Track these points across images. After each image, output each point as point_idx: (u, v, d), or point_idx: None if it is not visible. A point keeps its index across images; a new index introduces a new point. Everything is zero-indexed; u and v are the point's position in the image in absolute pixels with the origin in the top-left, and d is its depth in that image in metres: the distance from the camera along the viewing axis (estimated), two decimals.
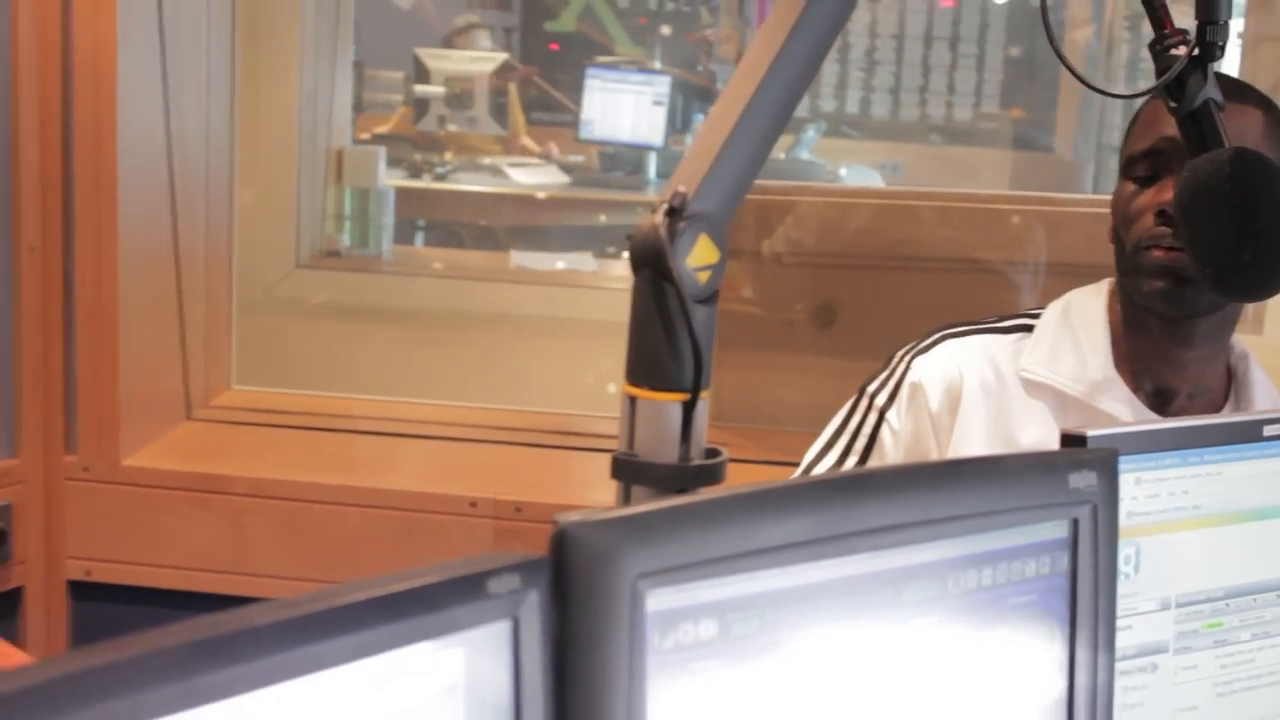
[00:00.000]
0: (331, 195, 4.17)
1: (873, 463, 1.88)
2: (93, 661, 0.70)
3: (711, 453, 1.15)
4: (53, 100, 2.52)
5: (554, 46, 6.47)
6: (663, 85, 5.68)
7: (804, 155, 5.93)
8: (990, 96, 6.40)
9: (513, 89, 5.95)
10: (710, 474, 1.13)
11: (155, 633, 0.73)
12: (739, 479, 2.47)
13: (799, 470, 1.97)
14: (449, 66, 5.73)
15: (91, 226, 2.55)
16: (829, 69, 6.25)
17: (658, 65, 6.27)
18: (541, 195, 5.65)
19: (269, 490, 2.59)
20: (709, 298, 1.12)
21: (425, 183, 5.60)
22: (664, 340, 1.11)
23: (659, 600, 0.89)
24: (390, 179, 4.49)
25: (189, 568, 2.61)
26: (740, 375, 2.93)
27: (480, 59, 5.94)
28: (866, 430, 1.89)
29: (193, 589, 2.61)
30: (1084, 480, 1.07)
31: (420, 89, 5.72)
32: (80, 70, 2.52)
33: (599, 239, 5.42)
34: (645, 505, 0.89)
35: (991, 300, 2.57)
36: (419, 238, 5.62)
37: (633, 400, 1.13)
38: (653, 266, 1.10)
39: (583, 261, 4.57)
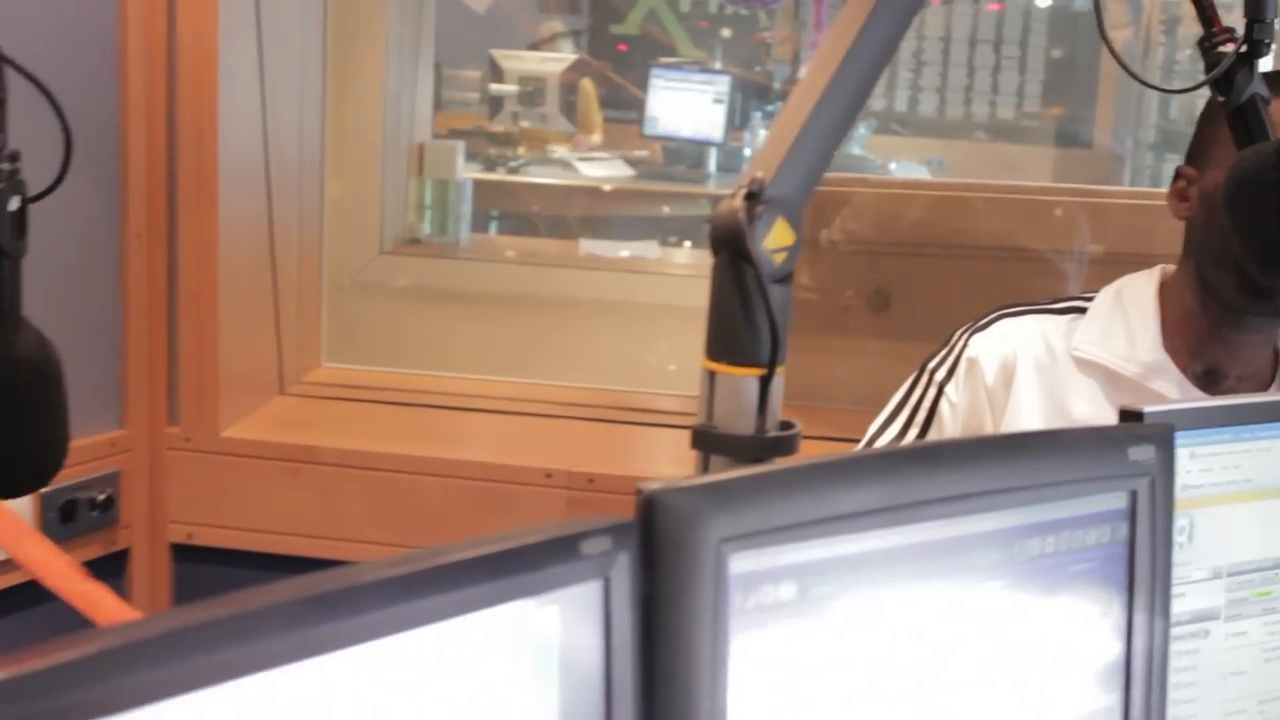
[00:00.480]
0: (413, 186, 4.18)
1: (932, 434, 1.88)
2: (216, 612, 0.70)
3: (786, 425, 1.14)
4: (158, 96, 2.53)
5: (622, 47, 6.45)
6: (722, 84, 5.66)
7: (855, 151, 5.89)
8: (1032, 96, 6.35)
9: (588, 84, 5.93)
10: (785, 445, 1.12)
11: (273, 586, 0.73)
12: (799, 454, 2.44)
13: (863, 441, 1.97)
14: (522, 67, 5.73)
15: (193, 214, 2.56)
16: None
17: (718, 65, 6.24)
18: (607, 188, 5.64)
19: (357, 461, 2.59)
20: (785, 278, 1.11)
21: (499, 175, 5.61)
22: (742, 318, 1.10)
23: (741, 563, 0.89)
24: (467, 172, 4.50)
25: (282, 532, 2.62)
26: (798, 356, 2.91)
27: (551, 59, 5.93)
28: (926, 404, 1.89)
29: (286, 552, 2.62)
30: (1142, 454, 1.05)
31: (495, 88, 5.72)
32: (184, 68, 2.53)
33: (662, 229, 5.40)
34: (729, 473, 0.88)
35: (1036, 286, 2.56)
36: (492, 226, 5.63)
37: (712, 375, 1.12)
38: (732, 248, 1.09)
39: (648, 249, 4.56)
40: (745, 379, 1.11)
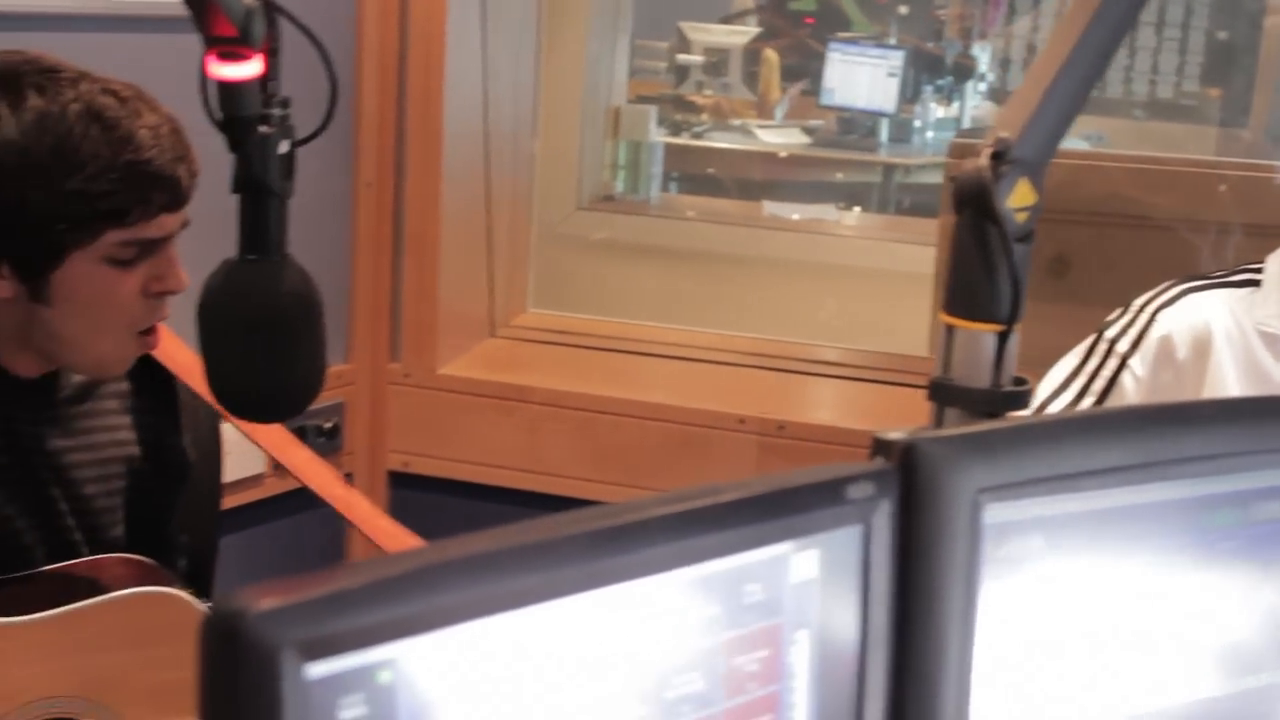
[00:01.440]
0: (608, 147, 4.15)
1: (1110, 405, 1.79)
2: (510, 540, 0.67)
3: (1019, 381, 1.08)
4: (390, 57, 2.52)
5: (809, 20, 6.34)
6: (896, 59, 5.53)
7: None
8: (1191, 76, 6.13)
9: (771, 55, 5.84)
10: (1018, 400, 1.06)
11: (561, 519, 0.70)
12: None
13: (1033, 406, 1.88)
14: (708, 38, 5.67)
15: (420, 166, 2.56)
16: None
17: (893, 40, 6.11)
18: (783, 154, 5.58)
19: (563, 401, 2.57)
20: (1026, 236, 1.05)
21: (683, 139, 5.56)
22: (983, 275, 1.04)
23: (995, 514, 0.83)
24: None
25: (492, 465, 2.61)
26: None
27: (736, 32, 5.86)
28: (1106, 374, 1.80)
29: (495, 483, 2.61)
30: None
31: (681, 57, 5.67)
32: (415, 32, 2.52)
33: (835, 194, 5.32)
34: (988, 424, 0.83)
35: (1206, 258, 2.46)
36: (672, 187, 5.59)
37: (950, 329, 1.07)
38: (976, 206, 1.03)
39: (826, 212, 4.50)
40: (983, 334, 1.05)
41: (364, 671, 0.62)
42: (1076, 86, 1.07)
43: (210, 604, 0.57)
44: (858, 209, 5.29)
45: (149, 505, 1.65)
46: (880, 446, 0.83)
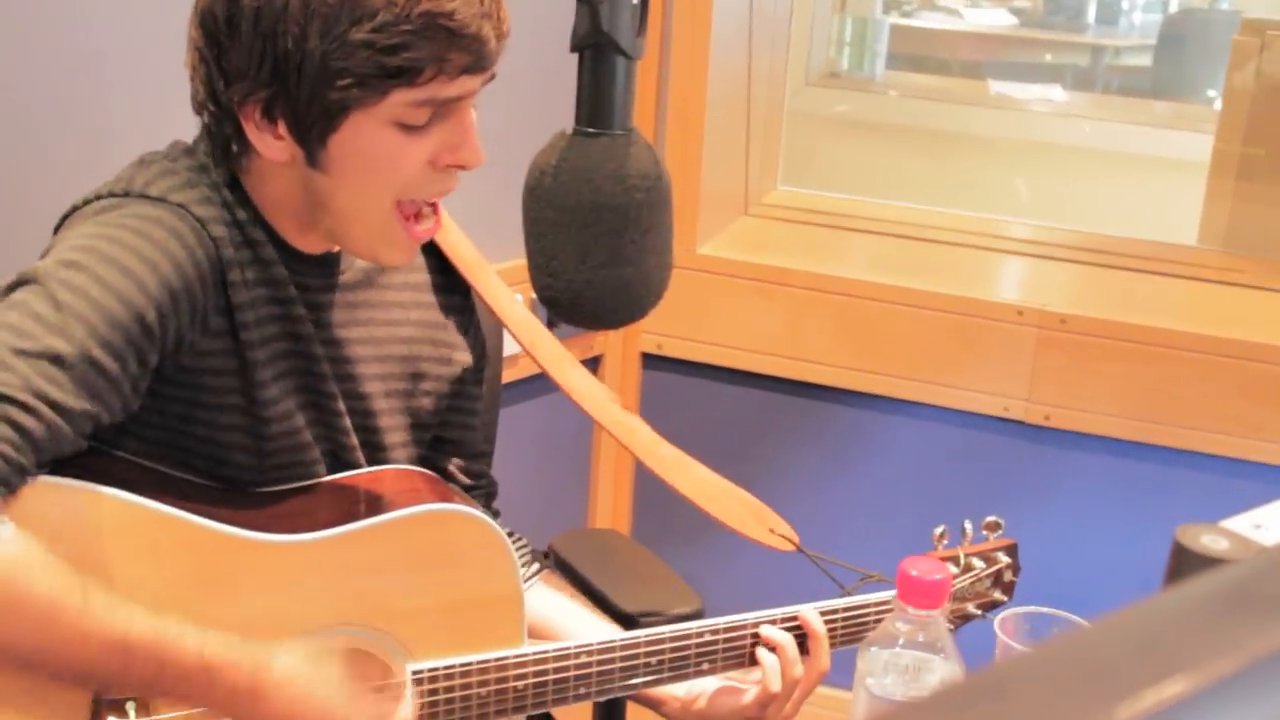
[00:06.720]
0: (834, 24, 3.78)
1: None
2: None
3: None
4: None
5: None
6: None
7: (1223, 6, 5.20)
8: None
9: None
10: None
11: None
12: (1259, 306, 1.98)
13: None
14: None
15: (686, 40, 2.21)
16: None
17: None
18: (989, 34, 5.13)
19: (828, 286, 2.23)
20: None
21: (893, 19, 5.13)
22: None
23: None
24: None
25: (747, 349, 2.28)
26: (1257, 209, 2.46)
27: None
28: None
29: (749, 368, 2.29)
30: None
31: None
32: None
33: (1044, 74, 4.87)
34: None
35: None
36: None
37: None
38: None
39: (1052, 92, 4.07)
40: None
41: None
42: None
43: None
44: (1056, 86, 4.85)
45: (441, 398, 1.36)
46: None
